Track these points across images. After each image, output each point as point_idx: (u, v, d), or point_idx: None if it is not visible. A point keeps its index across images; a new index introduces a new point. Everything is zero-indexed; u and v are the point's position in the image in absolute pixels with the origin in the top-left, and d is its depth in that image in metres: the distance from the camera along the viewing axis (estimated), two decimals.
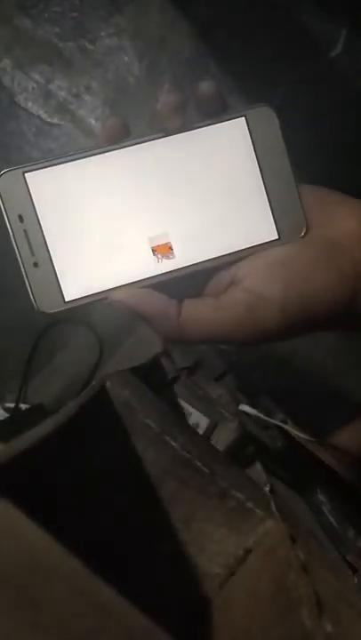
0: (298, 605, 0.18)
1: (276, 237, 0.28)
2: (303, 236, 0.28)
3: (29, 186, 0.27)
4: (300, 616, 0.18)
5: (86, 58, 0.92)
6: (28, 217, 0.27)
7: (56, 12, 0.92)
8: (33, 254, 0.27)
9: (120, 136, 0.28)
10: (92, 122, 0.90)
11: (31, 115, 0.91)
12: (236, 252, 0.28)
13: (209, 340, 0.27)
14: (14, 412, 0.70)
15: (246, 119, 0.28)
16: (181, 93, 0.27)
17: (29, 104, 0.91)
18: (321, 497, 0.37)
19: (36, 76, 0.91)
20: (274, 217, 0.29)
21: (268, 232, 0.29)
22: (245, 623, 0.21)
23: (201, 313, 0.27)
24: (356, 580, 0.29)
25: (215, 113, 0.28)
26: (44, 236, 0.27)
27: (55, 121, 0.91)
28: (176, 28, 0.92)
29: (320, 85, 0.92)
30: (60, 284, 0.27)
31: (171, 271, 0.28)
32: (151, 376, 0.44)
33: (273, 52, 0.92)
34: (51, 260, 0.27)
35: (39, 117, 0.91)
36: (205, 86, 0.27)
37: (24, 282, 0.27)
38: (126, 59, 0.92)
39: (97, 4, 0.92)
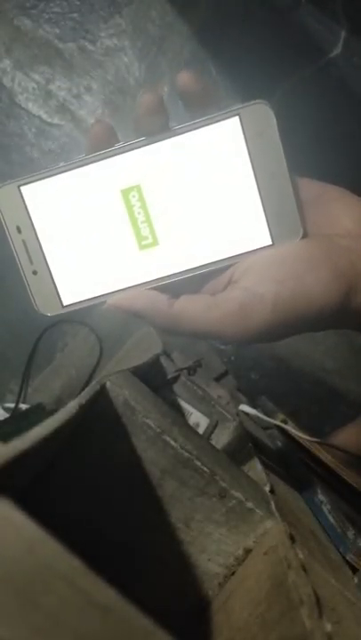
0: (298, 605, 0.18)
1: (270, 243, 0.28)
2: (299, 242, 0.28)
3: (25, 198, 0.28)
4: (299, 616, 0.18)
5: (86, 58, 0.92)
6: (26, 228, 0.28)
7: (56, 13, 0.92)
8: (32, 263, 0.29)
9: (108, 142, 0.27)
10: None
11: (32, 115, 0.91)
12: (228, 258, 0.28)
13: (201, 335, 0.27)
14: (14, 412, 0.70)
15: (240, 118, 0.27)
16: (156, 92, 0.25)
17: (30, 104, 0.91)
18: (321, 497, 0.37)
19: (37, 77, 0.91)
20: (267, 222, 0.28)
21: (261, 238, 0.28)
22: (245, 623, 0.21)
23: (195, 305, 0.27)
24: (356, 580, 0.29)
25: (203, 108, 0.26)
26: (40, 246, 0.29)
27: (55, 121, 0.91)
28: (176, 30, 0.92)
29: (319, 86, 0.93)
30: (58, 290, 0.29)
31: (162, 277, 0.29)
32: (151, 376, 0.44)
33: (273, 54, 0.92)
34: (48, 268, 0.29)
35: (39, 118, 0.91)
36: (184, 78, 0.24)
37: (25, 288, 0.29)
38: (126, 59, 0.92)
39: (97, 4, 0.92)
